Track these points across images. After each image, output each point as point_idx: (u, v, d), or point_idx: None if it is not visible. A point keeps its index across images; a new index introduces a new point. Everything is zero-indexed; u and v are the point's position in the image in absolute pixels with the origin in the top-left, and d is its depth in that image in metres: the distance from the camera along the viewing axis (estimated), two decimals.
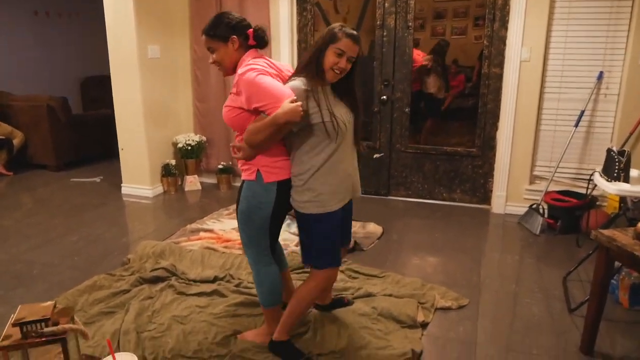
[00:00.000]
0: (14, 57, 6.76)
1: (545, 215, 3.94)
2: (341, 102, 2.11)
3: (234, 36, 2.06)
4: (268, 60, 2.11)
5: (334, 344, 2.36)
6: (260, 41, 2.13)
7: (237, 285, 2.93)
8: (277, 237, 2.41)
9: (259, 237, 2.20)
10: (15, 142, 5.64)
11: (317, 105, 1.98)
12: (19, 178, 5.51)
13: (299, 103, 1.88)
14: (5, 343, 1.39)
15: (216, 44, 2.08)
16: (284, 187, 2.12)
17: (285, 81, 2.06)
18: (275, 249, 2.43)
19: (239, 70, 2.02)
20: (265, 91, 1.90)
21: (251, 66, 1.98)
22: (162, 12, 4.73)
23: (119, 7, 4.40)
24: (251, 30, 2.10)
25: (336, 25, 2.03)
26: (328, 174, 2.07)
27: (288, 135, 2.03)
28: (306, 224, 2.15)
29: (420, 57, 4.87)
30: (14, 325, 1.40)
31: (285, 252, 2.81)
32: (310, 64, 2.02)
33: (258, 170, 2.09)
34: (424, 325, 2.58)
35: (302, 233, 2.19)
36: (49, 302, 1.49)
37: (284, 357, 2.27)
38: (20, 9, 6.77)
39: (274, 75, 2.03)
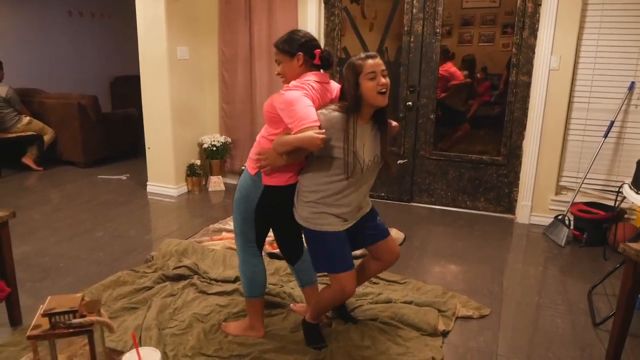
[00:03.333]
0: (47, 55, 6.94)
1: (571, 227, 3.87)
2: (376, 136, 2.14)
3: (300, 53, 2.14)
4: (324, 85, 2.17)
5: (357, 346, 2.36)
6: (325, 63, 2.19)
7: None
8: (293, 247, 2.49)
9: (246, 227, 2.29)
10: (46, 138, 5.78)
11: (343, 140, 2.01)
12: (48, 174, 5.64)
13: (322, 136, 1.91)
14: (35, 333, 1.43)
15: (283, 57, 2.18)
16: (274, 192, 2.20)
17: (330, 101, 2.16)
18: (302, 260, 2.52)
19: (291, 84, 2.11)
20: (293, 111, 1.98)
21: (300, 84, 2.07)
22: (192, 14, 4.81)
23: (150, 9, 4.49)
24: (319, 51, 2.17)
25: (351, 59, 2.07)
26: (336, 201, 2.12)
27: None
28: (308, 238, 2.22)
29: (459, 73, 4.78)
30: (43, 315, 1.43)
31: None
32: (349, 100, 2.04)
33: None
34: (444, 333, 2.56)
35: (309, 247, 2.27)
36: (78, 294, 1.52)
37: (306, 337, 2.42)
38: (54, 8, 6.96)
39: (317, 98, 2.10)
